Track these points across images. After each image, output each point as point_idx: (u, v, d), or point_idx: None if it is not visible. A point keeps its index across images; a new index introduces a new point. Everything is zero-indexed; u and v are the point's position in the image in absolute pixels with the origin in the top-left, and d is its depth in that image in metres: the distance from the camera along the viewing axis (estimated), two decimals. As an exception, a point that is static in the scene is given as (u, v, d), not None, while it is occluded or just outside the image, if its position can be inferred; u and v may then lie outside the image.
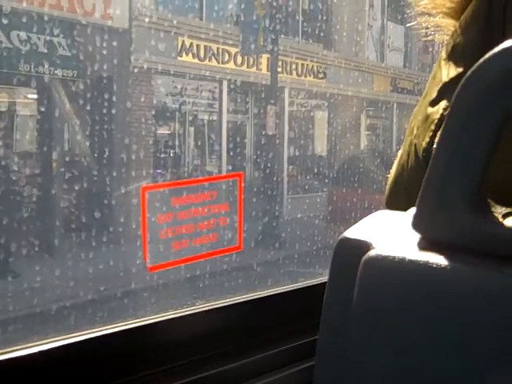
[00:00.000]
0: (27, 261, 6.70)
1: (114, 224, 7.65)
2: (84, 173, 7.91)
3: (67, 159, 8.20)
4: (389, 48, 14.94)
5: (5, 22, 7.31)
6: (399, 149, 0.70)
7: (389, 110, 14.79)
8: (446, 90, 0.62)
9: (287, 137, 12.09)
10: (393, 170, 0.70)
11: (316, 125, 13.16)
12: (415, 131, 0.64)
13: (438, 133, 0.59)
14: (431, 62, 13.85)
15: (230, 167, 10.73)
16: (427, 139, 0.61)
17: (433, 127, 0.61)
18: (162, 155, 10.28)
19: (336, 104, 12.94)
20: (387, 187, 0.71)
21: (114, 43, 8.38)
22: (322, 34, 12.45)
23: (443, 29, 0.72)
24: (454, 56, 0.65)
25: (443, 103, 0.61)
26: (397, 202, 0.66)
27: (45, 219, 7.63)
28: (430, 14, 0.72)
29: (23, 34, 7.64)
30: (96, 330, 0.77)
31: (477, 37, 0.63)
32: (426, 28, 0.74)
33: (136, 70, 9.00)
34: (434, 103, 0.63)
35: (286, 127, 12.04)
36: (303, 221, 9.93)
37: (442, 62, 0.66)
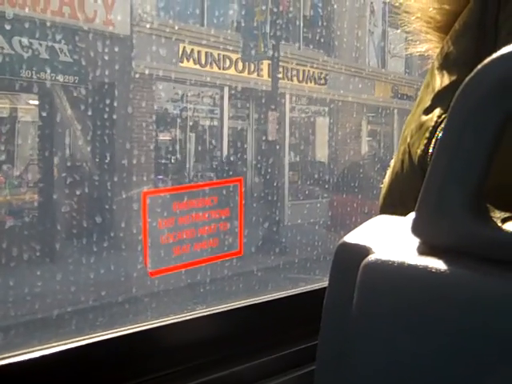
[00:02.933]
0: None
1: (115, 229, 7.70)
2: (85, 178, 7.93)
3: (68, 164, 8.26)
4: (390, 54, 14.95)
5: (7, 27, 7.34)
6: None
7: (390, 116, 14.80)
8: (439, 98, 0.63)
9: (288, 143, 12.09)
10: (386, 179, 0.71)
11: (317, 131, 13.16)
12: (408, 139, 0.65)
13: (433, 140, 0.60)
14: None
15: (231, 173, 10.72)
16: (422, 147, 0.61)
17: (427, 134, 0.61)
18: (163, 161, 10.28)
19: (337, 110, 12.94)
20: (381, 196, 0.71)
21: (116, 49, 8.40)
22: (322, 40, 12.47)
23: (434, 49, 0.72)
24: (446, 65, 0.65)
25: (437, 111, 0.62)
26: (391, 209, 0.66)
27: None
28: (419, 41, 0.73)
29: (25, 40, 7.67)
30: (98, 334, 0.77)
31: (470, 45, 0.63)
32: (421, 55, 0.75)
33: (137, 76, 9.01)
34: (427, 111, 0.63)
35: (287, 133, 12.04)
36: (303, 227, 9.93)
37: (436, 71, 0.66)
